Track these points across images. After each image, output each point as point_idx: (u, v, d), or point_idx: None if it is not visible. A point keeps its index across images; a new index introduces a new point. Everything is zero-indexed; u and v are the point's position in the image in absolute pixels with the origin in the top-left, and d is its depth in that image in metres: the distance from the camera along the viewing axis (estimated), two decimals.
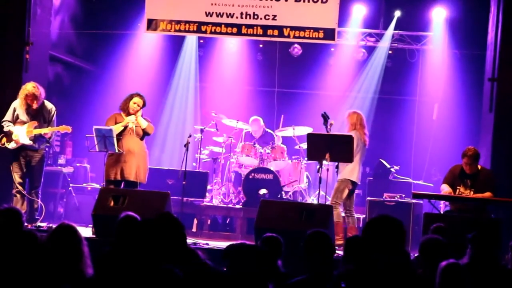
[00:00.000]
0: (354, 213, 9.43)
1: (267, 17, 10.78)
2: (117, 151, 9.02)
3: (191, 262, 4.36)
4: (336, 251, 7.02)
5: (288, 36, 10.87)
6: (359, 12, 12.56)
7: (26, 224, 8.32)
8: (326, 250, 4.57)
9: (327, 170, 8.95)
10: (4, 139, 9.13)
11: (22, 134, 9.04)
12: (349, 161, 8.82)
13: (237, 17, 10.83)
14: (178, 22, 10.99)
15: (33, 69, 10.17)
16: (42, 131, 9.08)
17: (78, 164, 12.00)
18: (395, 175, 11.64)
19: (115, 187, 9.02)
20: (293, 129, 11.38)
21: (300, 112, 12.87)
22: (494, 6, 9.78)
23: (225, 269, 4.09)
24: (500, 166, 9.30)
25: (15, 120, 9.17)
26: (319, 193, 9.05)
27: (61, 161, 11.63)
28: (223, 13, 10.85)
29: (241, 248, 4.02)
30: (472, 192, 8.50)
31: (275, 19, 10.77)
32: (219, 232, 10.65)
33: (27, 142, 9.07)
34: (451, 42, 12.44)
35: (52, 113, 9.27)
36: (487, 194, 8.44)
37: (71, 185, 11.01)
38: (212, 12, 10.87)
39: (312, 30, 10.72)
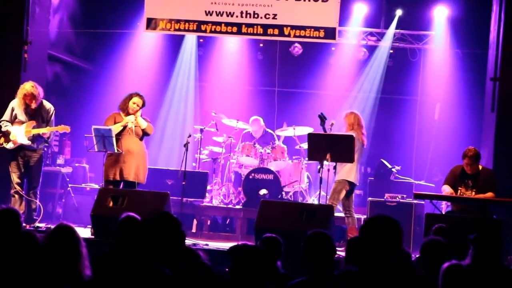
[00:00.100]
0: (354, 213, 9.38)
1: (267, 16, 10.74)
2: (116, 151, 8.98)
3: (191, 262, 4.32)
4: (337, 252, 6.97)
5: (289, 35, 10.83)
6: (360, 11, 12.52)
7: (24, 224, 8.26)
8: (327, 251, 4.55)
9: (328, 170, 8.91)
10: (2, 139, 9.09)
11: (20, 134, 9.01)
12: (350, 161, 8.80)
13: (237, 16, 10.79)
14: (178, 21, 10.96)
15: (32, 68, 10.17)
16: (41, 131, 9.03)
17: (77, 164, 11.97)
18: (397, 175, 11.60)
19: (114, 188, 8.98)
20: (294, 129, 11.33)
21: (301, 111, 12.81)
22: (496, 5, 9.76)
23: (227, 269, 4.06)
24: (502, 166, 9.29)
25: (13, 120, 9.13)
26: (319, 193, 9.03)
27: (60, 161, 11.61)
28: (223, 12, 10.81)
29: (243, 248, 4.02)
30: (473, 193, 8.48)
31: (276, 18, 10.73)
32: (219, 232, 10.65)
33: (26, 142, 9.03)
34: (453, 41, 12.42)
35: (51, 112, 9.23)
36: (489, 195, 8.42)
37: (69, 185, 10.97)
38: (212, 11, 10.83)
39: (312, 29, 10.68)
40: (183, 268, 4.00)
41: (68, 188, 10.89)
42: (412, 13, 12.56)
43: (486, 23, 10.10)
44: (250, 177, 10.75)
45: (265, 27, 10.78)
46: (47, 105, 9.25)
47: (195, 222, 10.52)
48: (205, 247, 8.39)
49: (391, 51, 12.99)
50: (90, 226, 8.61)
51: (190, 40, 13.55)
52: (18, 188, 9.08)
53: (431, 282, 4.30)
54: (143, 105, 9.25)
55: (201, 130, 11.56)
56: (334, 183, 9.20)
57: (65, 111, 11.64)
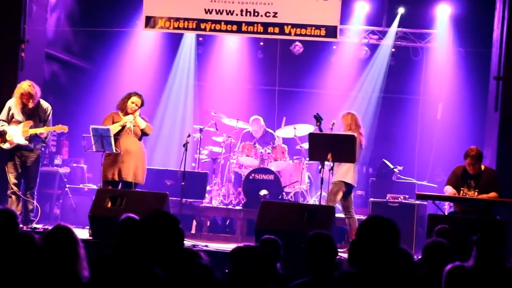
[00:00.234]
0: (354, 214, 9.31)
1: (267, 14, 10.67)
2: (114, 151, 8.95)
3: (191, 263, 4.24)
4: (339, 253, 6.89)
5: (289, 34, 10.78)
6: (361, 9, 12.45)
7: (21, 225, 8.25)
8: (328, 252, 4.53)
9: (329, 170, 8.83)
10: None
11: (17, 134, 8.96)
12: (351, 161, 8.76)
13: (237, 14, 10.73)
14: (177, 19, 10.90)
15: (29, 67, 10.12)
16: (38, 130, 8.99)
17: (74, 165, 11.92)
18: (399, 175, 11.57)
19: (112, 188, 8.96)
20: (294, 128, 11.25)
21: (302, 111, 12.72)
22: (499, 3, 9.73)
23: (226, 270, 4.04)
24: (505, 166, 9.27)
25: (10, 120, 9.09)
26: (320, 194, 8.99)
27: (57, 161, 11.58)
28: (222, 10, 10.74)
29: (244, 249, 4.01)
30: (476, 193, 8.46)
31: (276, 17, 10.67)
32: (218, 233, 10.64)
33: (23, 142, 8.98)
34: (455, 39, 12.38)
35: (48, 112, 9.19)
36: (492, 195, 8.40)
37: (67, 185, 10.94)
38: (212, 9, 10.76)
39: (313, 28, 10.62)
40: (183, 269, 3.95)
41: (66, 189, 10.85)
42: (414, 11, 12.51)
43: (490, 21, 10.06)
44: (250, 177, 10.70)
45: (266, 25, 10.72)
46: (45, 104, 9.20)
47: (194, 223, 10.50)
48: (205, 248, 8.35)
49: (393, 49, 12.94)
50: (88, 227, 8.57)
51: (189, 38, 13.50)
52: (15, 188, 9.03)
53: (431, 283, 4.33)
54: (142, 104, 9.24)
55: (201, 130, 11.51)
56: (331, 185, 9.13)
57: (62, 110, 11.60)
